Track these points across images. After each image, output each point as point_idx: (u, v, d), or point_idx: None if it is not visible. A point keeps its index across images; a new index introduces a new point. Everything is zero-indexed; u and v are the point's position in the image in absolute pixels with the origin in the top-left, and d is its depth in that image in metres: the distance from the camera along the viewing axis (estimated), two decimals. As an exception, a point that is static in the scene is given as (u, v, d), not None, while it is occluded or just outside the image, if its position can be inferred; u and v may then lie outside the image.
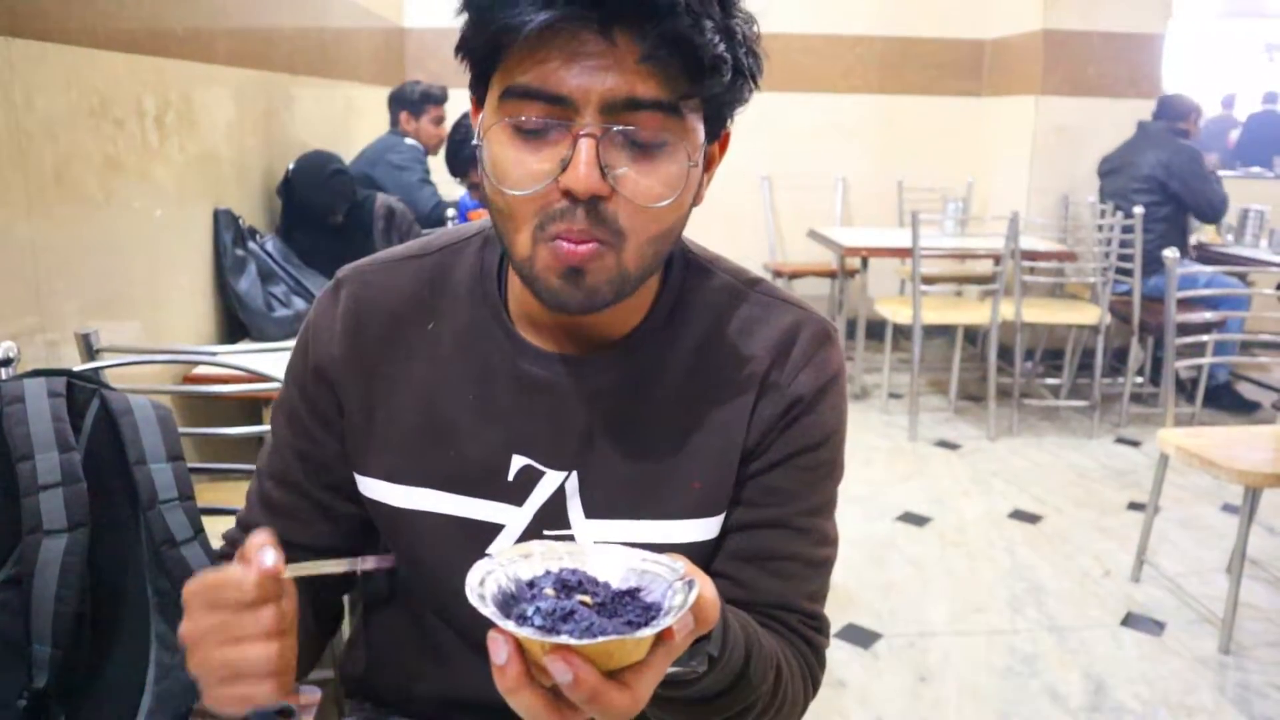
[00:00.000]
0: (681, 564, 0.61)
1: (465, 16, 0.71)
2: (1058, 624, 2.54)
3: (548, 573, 0.60)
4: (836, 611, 2.55)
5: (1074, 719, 2.14)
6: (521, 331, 0.83)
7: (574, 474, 0.83)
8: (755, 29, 0.73)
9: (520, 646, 0.54)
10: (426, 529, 0.84)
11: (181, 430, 1.25)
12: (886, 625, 2.52)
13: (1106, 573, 2.83)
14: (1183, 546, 3.01)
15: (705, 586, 0.59)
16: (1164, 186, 4.18)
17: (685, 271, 0.86)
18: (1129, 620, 2.56)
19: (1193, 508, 3.30)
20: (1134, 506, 3.30)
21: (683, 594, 0.57)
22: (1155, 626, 2.53)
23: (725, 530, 0.85)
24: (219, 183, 2.65)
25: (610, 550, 0.62)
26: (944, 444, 3.93)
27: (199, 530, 1.15)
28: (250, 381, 1.51)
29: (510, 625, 0.53)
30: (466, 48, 0.72)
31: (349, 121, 4.10)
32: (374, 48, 4.55)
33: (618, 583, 0.60)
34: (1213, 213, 4.25)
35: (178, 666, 1.16)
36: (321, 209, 2.96)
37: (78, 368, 1.30)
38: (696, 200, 0.76)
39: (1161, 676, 2.30)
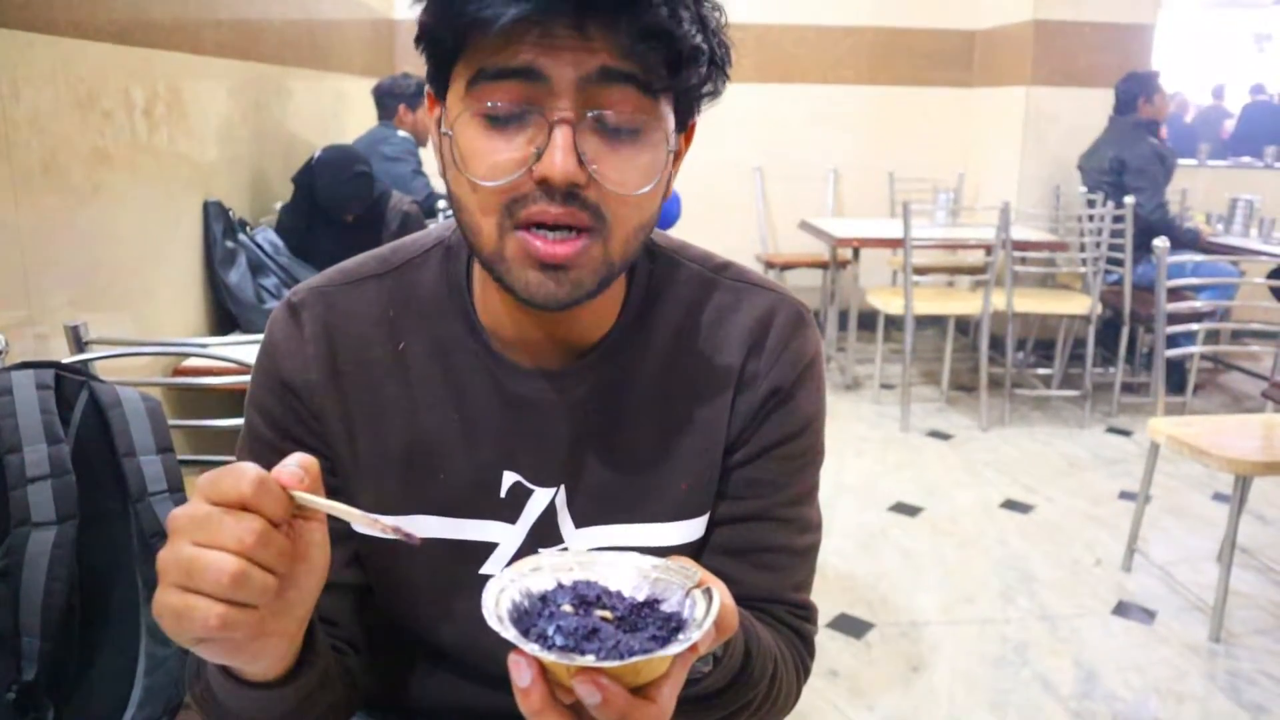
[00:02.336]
0: (694, 569, 0.60)
1: (422, 6, 0.68)
2: (1049, 613, 2.55)
3: (560, 585, 0.59)
4: (828, 601, 2.55)
5: (1065, 707, 2.15)
6: (495, 344, 0.80)
7: (561, 487, 0.81)
8: (723, 18, 0.71)
9: (543, 668, 0.53)
10: (419, 557, 0.80)
11: (171, 422, 1.24)
12: (879, 615, 2.52)
13: (1098, 562, 2.84)
14: (1173, 535, 3.02)
15: (724, 594, 0.58)
16: (1121, 177, 4.24)
17: (652, 265, 0.83)
18: (1120, 609, 2.57)
19: (1183, 496, 3.31)
20: (1125, 495, 3.31)
21: (703, 603, 0.56)
22: (1146, 615, 2.55)
23: (710, 524, 0.84)
24: (208, 174, 2.63)
25: (618, 557, 0.61)
26: (936, 434, 3.94)
27: (189, 522, 1.15)
28: (240, 373, 1.50)
29: (534, 648, 0.52)
30: (429, 38, 0.69)
31: (339, 113, 4.09)
32: (364, 39, 4.53)
33: (632, 592, 0.59)
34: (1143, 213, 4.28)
35: (168, 659, 1.16)
36: (337, 205, 2.93)
37: (66, 360, 1.30)
38: (665, 193, 0.74)
39: (1152, 664, 2.32)
